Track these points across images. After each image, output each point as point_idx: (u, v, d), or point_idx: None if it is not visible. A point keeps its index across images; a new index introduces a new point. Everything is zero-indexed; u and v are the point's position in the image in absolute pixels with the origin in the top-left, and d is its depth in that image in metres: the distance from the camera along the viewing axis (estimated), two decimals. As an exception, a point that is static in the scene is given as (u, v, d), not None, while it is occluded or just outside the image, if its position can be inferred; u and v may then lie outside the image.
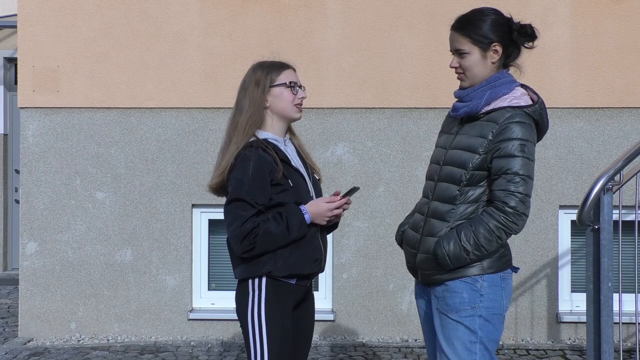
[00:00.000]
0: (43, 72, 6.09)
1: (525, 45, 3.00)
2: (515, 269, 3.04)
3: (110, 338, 6.06)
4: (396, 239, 3.25)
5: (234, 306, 3.17)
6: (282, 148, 3.14)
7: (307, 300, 3.23)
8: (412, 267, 3.11)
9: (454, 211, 2.92)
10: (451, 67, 3.02)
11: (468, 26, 2.96)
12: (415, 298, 3.22)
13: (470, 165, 2.89)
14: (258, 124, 3.12)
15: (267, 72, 3.15)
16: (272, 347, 3.02)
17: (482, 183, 2.91)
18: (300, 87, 3.20)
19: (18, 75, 6.16)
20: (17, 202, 8.38)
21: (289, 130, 3.26)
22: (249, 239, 2.97)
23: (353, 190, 3.14)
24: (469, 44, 2.94)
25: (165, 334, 6.08)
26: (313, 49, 6.04)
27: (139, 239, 6.10)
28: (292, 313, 3.11)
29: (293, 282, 3.08)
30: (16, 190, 8.95)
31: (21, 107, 6.14)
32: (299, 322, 3.18)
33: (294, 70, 3.23)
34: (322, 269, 3.18)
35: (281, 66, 3.20)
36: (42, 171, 6.11)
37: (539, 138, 2.99)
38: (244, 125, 3.10)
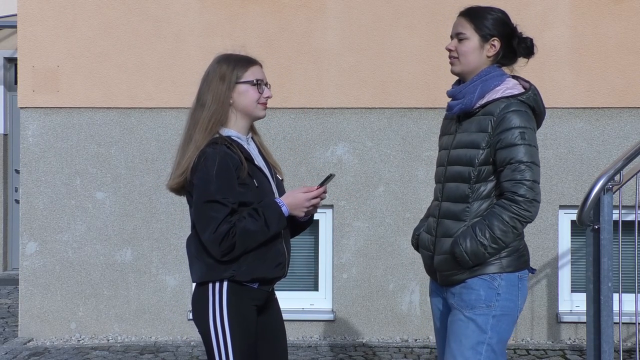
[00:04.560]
0: (43, 72, 6.08)
1: (522, 54, 3.06)
2: (533, 270, 3.05)
3: (110, 338, 6.06)
4: (412, 243, 3.27)
5: None
6: (245, 146, 2.98)
7: (271, 304, 3.09)
8: (430, 270, 3.11)
9: (468, 210, 2.94)
10: (447, 49, 3.07)
11: (475, 14, 3.03)
12: (430, 296, 3.22)
13: (476, 161, 2.92)
14: (222, 122, 2.95)
15: (233, 67, 2.96)
16: (238, 354, 2.89)
17: (491, 177, 2.94)
18: (266, 85, 3.02)
19: (18, 75, 6.16)
20: (17, 202, 8.38)
21: (251, 128, 3.08)
22: (227, 240, 2.80)
23: (329, 177, 3.01)
24: (472, 29, 3.01)
25: (165, 334, 6.08)
26: (313, 49, 6.03)
27: (139, 239, 6.09)
28: (256, 318, 2.98)
29: (255, 286, 2.94)
30: (16, 190, 8.95)
31: (21, 107, 6.14)
32: (266, 326, 3.05)
33: (261, 66, 3.04)
34: (285, 274, 3.05)
35: (248, 62, 3.00)
36: (42, 171, 6.11)
37: (538, 124, 3.03)
38: (206, 122, 2.92)
